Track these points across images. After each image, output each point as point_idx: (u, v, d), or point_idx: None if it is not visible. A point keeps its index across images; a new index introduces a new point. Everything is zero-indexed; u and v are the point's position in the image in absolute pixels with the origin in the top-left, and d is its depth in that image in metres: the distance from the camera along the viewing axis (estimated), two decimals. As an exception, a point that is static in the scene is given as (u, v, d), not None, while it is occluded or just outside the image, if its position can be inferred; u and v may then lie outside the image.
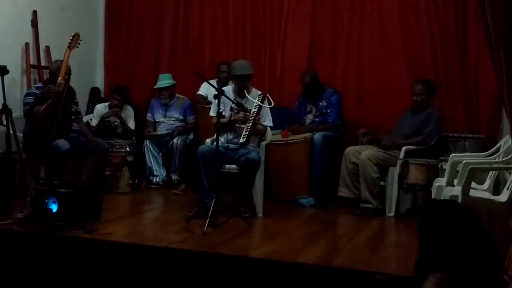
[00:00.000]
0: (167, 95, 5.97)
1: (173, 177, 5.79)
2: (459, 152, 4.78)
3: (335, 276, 3.27)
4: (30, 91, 5.12)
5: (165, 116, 6.01)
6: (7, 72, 4.54)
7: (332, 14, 5.83)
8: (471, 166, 3.79)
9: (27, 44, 5.64)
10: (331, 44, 5.85)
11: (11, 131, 4.44)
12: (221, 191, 4.60)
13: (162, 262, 3.56)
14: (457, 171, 4.01)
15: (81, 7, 6.43)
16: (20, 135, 4.83)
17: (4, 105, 4.43)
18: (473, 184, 3.90)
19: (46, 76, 5.51)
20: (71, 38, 4.92)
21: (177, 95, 6.07)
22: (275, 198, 5.24)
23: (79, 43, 4.97)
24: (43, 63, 5.76)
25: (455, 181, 4.02)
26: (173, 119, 5.99)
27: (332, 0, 5.82)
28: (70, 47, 4.91)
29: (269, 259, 3.49)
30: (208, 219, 4.07)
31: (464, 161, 3.97)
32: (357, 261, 3.52)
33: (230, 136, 4.72)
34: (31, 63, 5.65)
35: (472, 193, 3.79)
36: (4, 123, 4.45)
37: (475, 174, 3.93)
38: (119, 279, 3.56)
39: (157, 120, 6.04)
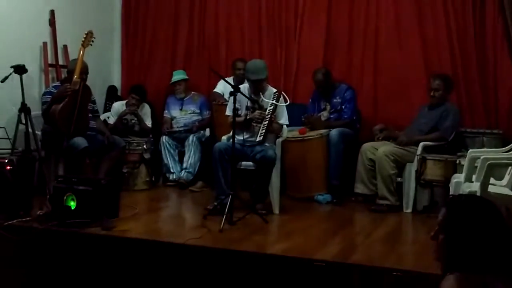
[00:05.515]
0: (181, 89, 6.03)
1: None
2: (478, 148, 4.72)
3: (352, 273, 3.26)
4: (47, 90, 5.17)
5: (181, 110, 6.04)
6: (25, 71, 4.62)
7: (348, 9, 5.79)
8: (489, 162, 3.75)
9: (45, 43, 5.69)
10: (347, 39, 5.81)
11: (30, 130, 4.50)
12: (237, 188, 4.61)
13: (180, 258, 3.58)
14: (476, 167, 3.97)
15: (98, 6, 6.47)
16: (39, 133, 4.89)
17: (23, 104, 4.49)
18: (492, 180, 3.86)
19: (64, 75, 5.57)
20: (84, 36, 4.95)
21: (192, 92, 6.11)
22: (291, 195, 5.23)
23: (92, 41, 4.99)
24: (61, 62, 5.82)
25: (474, 177, 3.97)
26: (189, 112, 6.03)
27: (348, -5, 5.80)
28: (84, 45, 4.94)
29: (285, 256, 3.48)
30: (224, 216, 4.07)
31: (483, 156, 3.92)
32: (374, 257, 3.51)
33: (246, 135, 4.72)
34: (49, 62, 5.71)
35: (491, 189, 3.75)
36: (23, 121, 4.52)
37: (494, 170, 3.89)
38: (137, 276, 3.60)
39: (173, 115, 6.07)
